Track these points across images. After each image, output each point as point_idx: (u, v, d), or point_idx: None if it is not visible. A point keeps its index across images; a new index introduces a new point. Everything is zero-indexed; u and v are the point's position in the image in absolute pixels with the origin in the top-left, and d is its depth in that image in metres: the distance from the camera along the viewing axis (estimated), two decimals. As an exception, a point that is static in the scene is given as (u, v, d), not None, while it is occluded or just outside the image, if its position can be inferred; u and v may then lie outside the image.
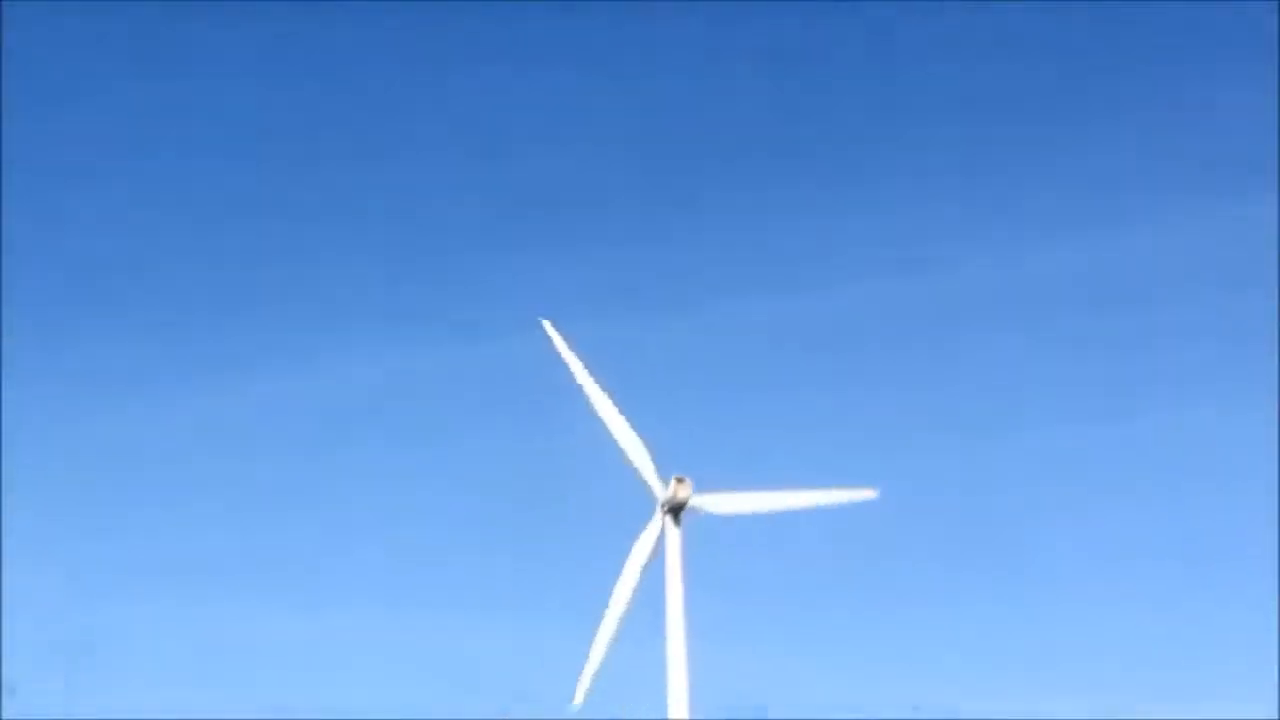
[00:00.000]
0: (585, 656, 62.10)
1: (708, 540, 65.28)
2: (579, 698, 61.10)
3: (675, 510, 64.14)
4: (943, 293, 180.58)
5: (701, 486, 64.41)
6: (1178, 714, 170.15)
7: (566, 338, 64.61)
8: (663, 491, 64.44)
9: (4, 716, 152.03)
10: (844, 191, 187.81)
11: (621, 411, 64.31)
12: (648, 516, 64.56)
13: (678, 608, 62.77)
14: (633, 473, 64.79)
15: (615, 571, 63.47)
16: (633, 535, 64.99)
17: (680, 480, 63.88)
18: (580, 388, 64.02)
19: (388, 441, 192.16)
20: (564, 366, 64.36)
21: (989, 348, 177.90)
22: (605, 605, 63.39)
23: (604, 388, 64.27)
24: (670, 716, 60.86)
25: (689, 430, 66.71)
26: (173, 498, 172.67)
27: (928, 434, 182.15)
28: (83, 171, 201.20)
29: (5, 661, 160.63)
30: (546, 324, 63.84)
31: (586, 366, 64.30)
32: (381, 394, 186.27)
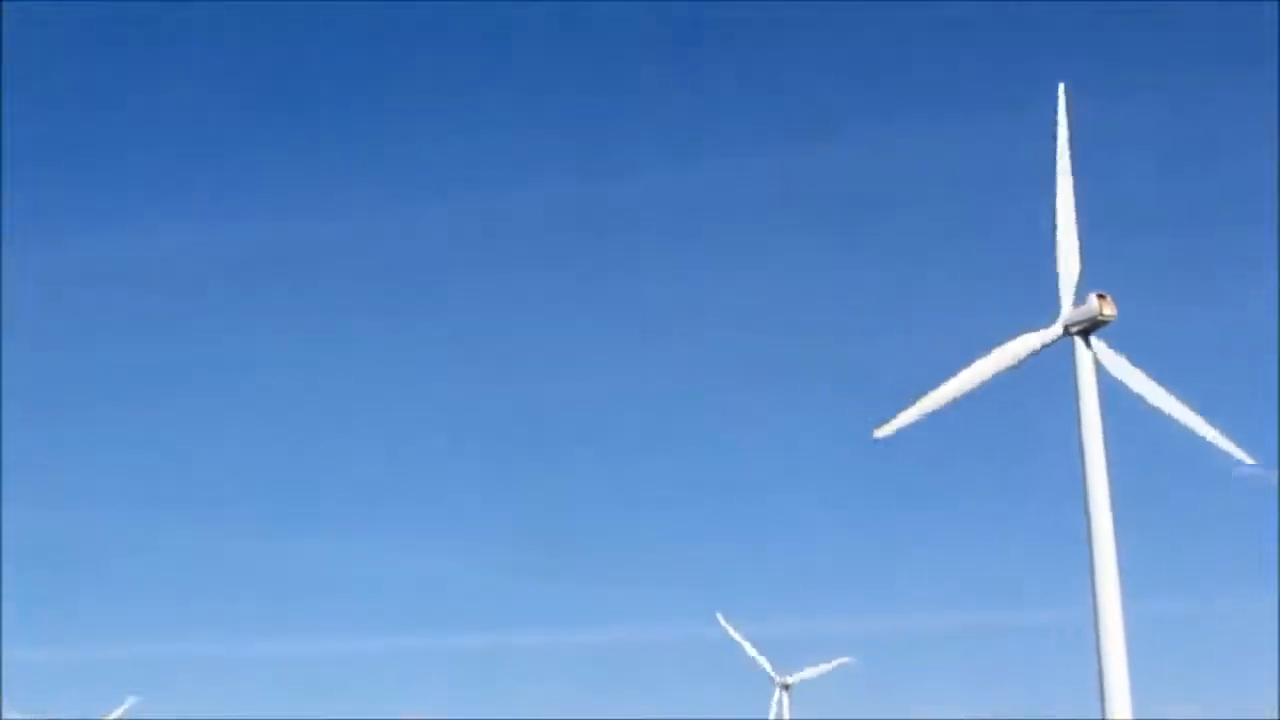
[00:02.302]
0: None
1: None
2: (886, 430, 55.69)
3: (1086, 333, 55.10)
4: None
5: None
6: (1177, 714, 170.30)
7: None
8: (1071, 309, 55.76)
9: (4, 716, 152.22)
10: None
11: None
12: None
13: (1099, 459, 54.95)
14: None
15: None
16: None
17: (1102, 296, 54.60)
18: None
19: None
20: None
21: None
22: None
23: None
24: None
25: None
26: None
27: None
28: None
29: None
30: None
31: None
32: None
